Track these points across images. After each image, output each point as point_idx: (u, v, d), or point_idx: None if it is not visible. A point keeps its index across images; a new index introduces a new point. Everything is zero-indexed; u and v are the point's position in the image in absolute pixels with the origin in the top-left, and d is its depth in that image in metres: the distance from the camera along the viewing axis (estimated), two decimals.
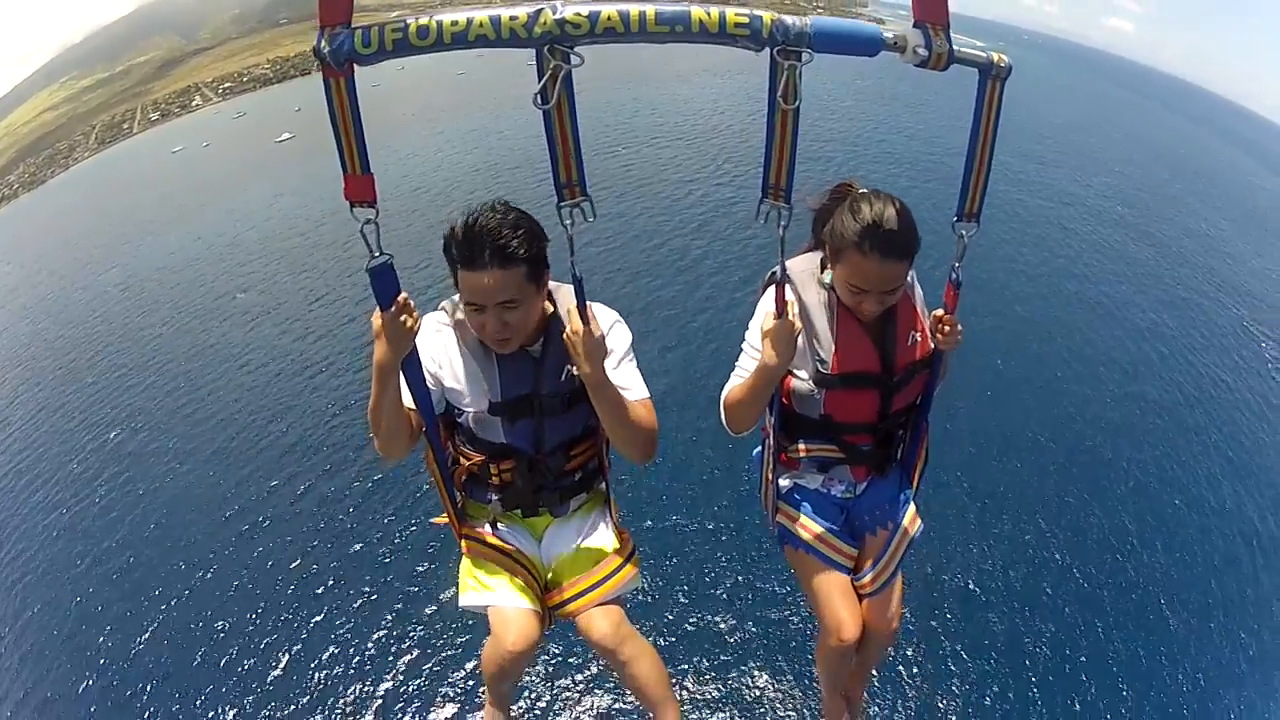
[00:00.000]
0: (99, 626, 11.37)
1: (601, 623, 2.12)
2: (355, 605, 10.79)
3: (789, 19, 1.42)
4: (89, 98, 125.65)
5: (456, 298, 1.96)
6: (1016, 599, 10.68)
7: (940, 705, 9.21)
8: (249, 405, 16.42)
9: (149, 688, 10.18)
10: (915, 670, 9.52)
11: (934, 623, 10.03)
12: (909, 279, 2.10)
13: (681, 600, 10.28)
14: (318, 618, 10.69)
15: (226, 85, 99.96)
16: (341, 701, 9.51)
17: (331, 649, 10.21)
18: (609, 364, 1.90)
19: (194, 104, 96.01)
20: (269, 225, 28.48)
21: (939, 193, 20.01)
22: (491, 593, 2.12)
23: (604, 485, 2.31)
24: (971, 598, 10.60)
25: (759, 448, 2.42)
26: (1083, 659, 9.86)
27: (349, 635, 10.38)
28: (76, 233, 40.73)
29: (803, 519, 2.28)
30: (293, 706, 9.55)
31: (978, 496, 12.25)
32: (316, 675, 9.90)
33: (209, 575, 11.90)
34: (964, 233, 1.89)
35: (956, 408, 13.33)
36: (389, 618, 10.47)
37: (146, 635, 11.00)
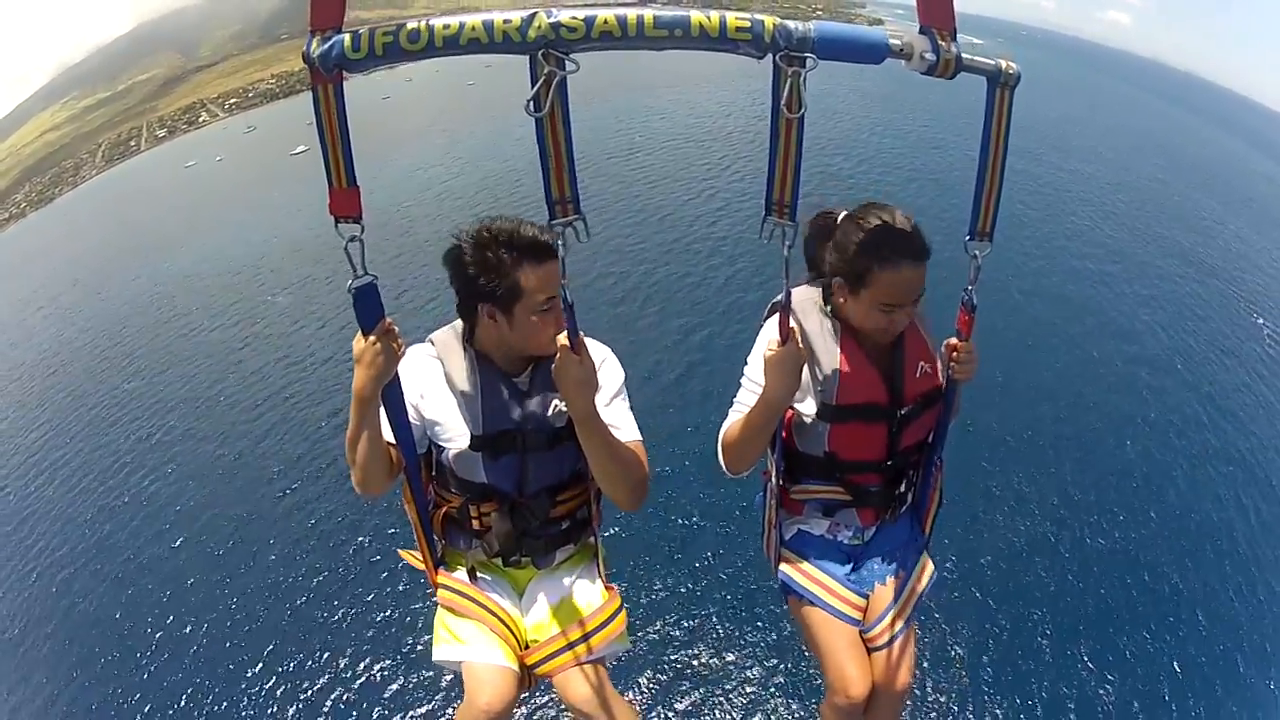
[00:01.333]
0: (147, 607, 11.69)
1: (580, 684, 1.98)
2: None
3: (791, 24, 1.39)
4: (92, 117, 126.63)
5: (449, 329, 1.98)
6: (1016, 551, 10.92)
7: (956, 652, 9.48)
8: (295, 391, 16.92)
9: (189, 672, 10.48)
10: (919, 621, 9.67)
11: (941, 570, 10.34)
12: (918, 307, 2.04)
13: (675, 656, 9.74)
14: (369, 598, 10.88)
15: (232, 101, 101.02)
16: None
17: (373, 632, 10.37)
18: (599, 401, 1.82)
19: (200, 120, 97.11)
20: (296, 233, 28.43)
21: (938, 207, 20.93)
22: (466, 646, 1.98)
23: (593, 538, 2.19)
24: (966, 546, 10.83)
25: (761, 493, 2.29)
26: (1084, 608, 10.15)
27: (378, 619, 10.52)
28: (98, 245, 41.27)
29: (807, 568, 2.16)
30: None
31: (973, 455, 12.32)
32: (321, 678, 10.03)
33: (259, 550, 12.22)
34: (977, 253, 1.80)
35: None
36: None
37: (191, 616, 11.31)
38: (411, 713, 9.28)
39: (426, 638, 10.14)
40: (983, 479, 12.03)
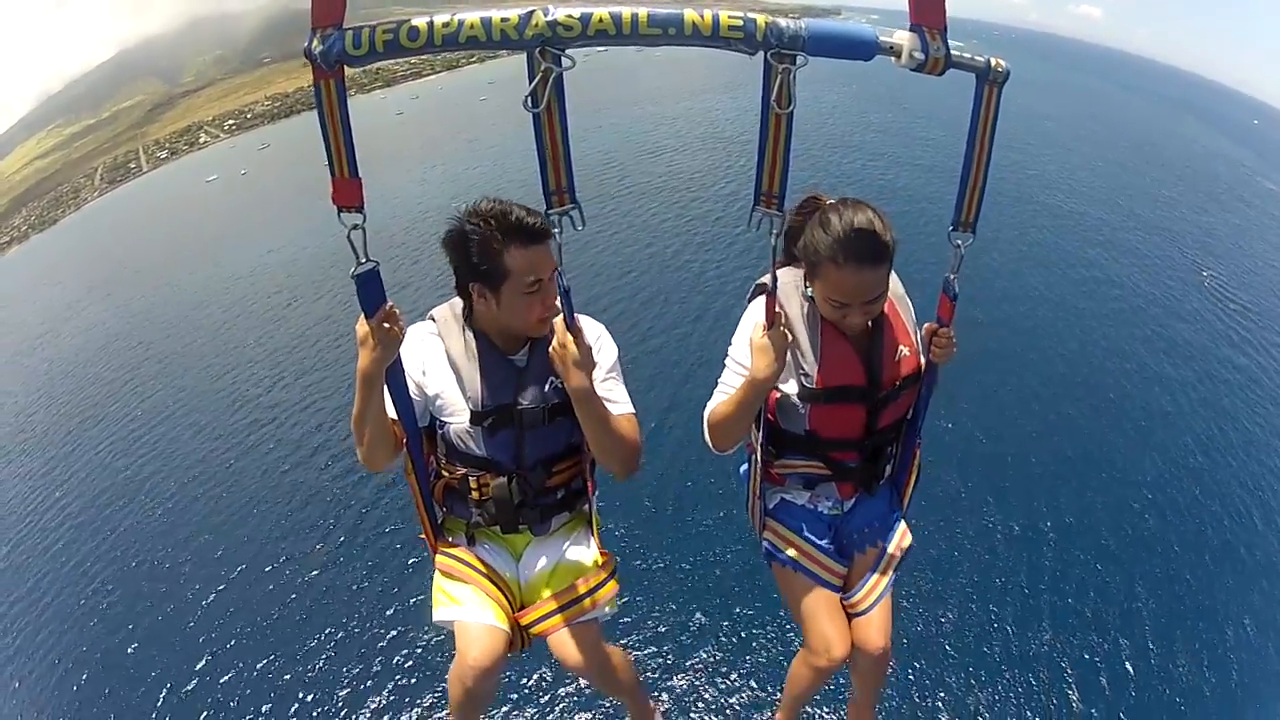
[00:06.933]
0: (226, 569, 12.59)
1: (573, 644, 2.07)
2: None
3: (783, 21, 1.39)
4: (80, 144, 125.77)
5: (448, 306, 2.04)
6: (995, 523, 11.60)
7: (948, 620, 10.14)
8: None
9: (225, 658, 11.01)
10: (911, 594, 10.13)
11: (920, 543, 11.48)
12: (898, 291, 2.10)
13: (664, 621, 10.03)
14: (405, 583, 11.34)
15: (231, 122, 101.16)
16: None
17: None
18: (594, 377, 1.87)
19: (201, 141, 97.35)
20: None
21: (927, 198, 22.78)
22: (460, 607, 2.06)
23: (588, 506, 2.25)
24: (945, 519, 11.48)
25: (746, 464, 2.34)
26: (1061, 578, 10.90)
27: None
28: (133, 253, 42.42)
29: (790, 536, 2.22)
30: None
31: (952, 431, 13.03)
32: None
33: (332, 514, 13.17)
34: (960, 243, 1.83)
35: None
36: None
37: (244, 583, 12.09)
38: (418, 672, 9.93)
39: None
40: (960, 456, 12.63)
